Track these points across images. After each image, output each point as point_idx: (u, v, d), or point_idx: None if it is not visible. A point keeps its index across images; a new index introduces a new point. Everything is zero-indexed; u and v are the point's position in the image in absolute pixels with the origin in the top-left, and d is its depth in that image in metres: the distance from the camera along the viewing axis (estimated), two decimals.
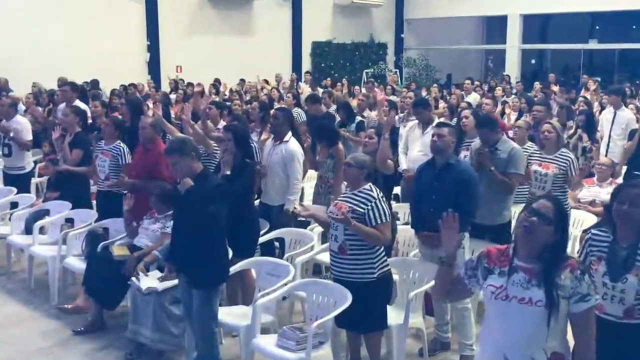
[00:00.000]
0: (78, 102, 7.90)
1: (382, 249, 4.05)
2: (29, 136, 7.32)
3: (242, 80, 14.86)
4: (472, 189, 4.41)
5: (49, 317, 5.32)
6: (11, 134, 7.04)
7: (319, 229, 5.51)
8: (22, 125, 7.28)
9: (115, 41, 15.53)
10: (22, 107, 10.07)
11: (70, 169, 6.28)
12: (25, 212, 6.40)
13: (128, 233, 5.29)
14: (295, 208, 5.23)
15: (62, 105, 8.24)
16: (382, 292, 4.06)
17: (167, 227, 4.91)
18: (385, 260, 4.07)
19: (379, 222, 3.94)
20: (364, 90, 11.92)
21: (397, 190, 6.56)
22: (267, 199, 5.70)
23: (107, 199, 5.92)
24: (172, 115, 9.51)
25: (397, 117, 7.82)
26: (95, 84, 12.48)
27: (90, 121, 7.99)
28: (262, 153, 5.76)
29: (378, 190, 4.06)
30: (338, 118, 8.22)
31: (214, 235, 4.01)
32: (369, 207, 3.95)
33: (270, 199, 5.67)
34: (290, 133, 5.71)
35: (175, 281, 4.36)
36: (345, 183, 4.41)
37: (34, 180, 8.25)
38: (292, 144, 5.67)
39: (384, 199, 4.05)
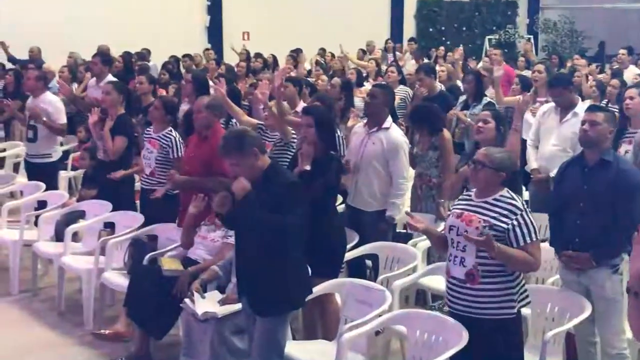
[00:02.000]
0: (110, 77, 8.24)
1: (522, 274, 3.97)
2: (61, 118, 7.68)
3: (323, 50, 14.97)
4: (636, 195, 4.25)
5: (82, 345, 5.54)
6: (43, 118, 7.39)
7: (424, 244, 5.47)
8: (53, 104, 7.64)
9: (166, 1, 16.05)
10: (56, 83, 10.62)
11: (124, 174, 6.51)
12: (55, 214, 6.72)
13: (182, 242, 5.44)
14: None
15: (92, 81, 8.64)
16: (519, 331, 3.98)
17: (230, 237, 5.02)
18: (526, 289, 3.98)
19: (527, 240, 3.85)
20: (484, 63, 11.67)
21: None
22: (357, 203, 5.72)
23: (153, 199, 6.12)
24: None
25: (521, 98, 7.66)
26: (143, 55, 12.94)
27: None
28: (346, 144, 5.80)
29: (520, 198, 3.97)
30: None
31: (286, 249, 4.02)
32: (514, 222, 3.86)
33: (363, 202, 5.69)
34: (390, 118, 5.71)
35: (239, 306, 4.44)
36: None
37: (65, 174, 8.68)
38: (395, 132, 5.68)
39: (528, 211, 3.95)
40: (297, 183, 4.18)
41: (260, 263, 4.01)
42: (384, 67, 11.28)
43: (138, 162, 6.70)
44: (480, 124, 5.35)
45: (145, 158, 6.26)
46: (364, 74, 11.00)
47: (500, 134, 5.29)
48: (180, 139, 6.17)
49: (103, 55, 8.64)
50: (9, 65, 12.25)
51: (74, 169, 8.95)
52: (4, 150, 9.70)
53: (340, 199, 5.82)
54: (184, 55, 13.41)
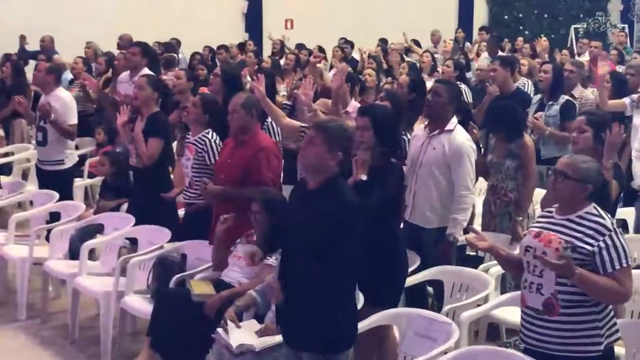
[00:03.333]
0: (147, 71, 8.33)
1: (610, 306, 3.93)
2: (71, 119, 7.83)
3: (383, 42, 15.00)
4: None
5: None
6: (52, 116, 7.55)
7: (498, 270, 5.44)
8: (63, 102, 7.78)
9: None
10: (67, 76, 10.83)
11: (173, 196, 6.56)
12: (69, 228, 6.84)
13: (215, 263, 5.49)
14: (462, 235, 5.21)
15: (125, 75, 8.76)
16: None
17: (270, 257, 5.05)
18: (615, 323, 3.94)
19: (616, 266, 3.81)
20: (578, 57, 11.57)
21: (622, 213, 6.35)
22: (416, 218, 5.73)
23: (189, 212, 6.22)
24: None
25: (627, 100, 7.57)
26: (170, 46, 13.12)
27: None
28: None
29: (610, 217, 3.93)
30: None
31: (339, 277, 3.96)
32: (601, 244, 3.82)
33: (422, 218, 5.69)
34: (455, 119, 5.70)
35: (279, 338, 4.46)
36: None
37: (81, 182, 8.83)
38: (460, 135, 5.66)
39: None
40: (355, 204, 4.05)
41: (307, 290, 3.95)
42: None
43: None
44: (575, 133, 5.33)
45: (184, 167, 6.36)
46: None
47: (600, 143, 5.22)
48: (218, 142, 6.22)
49: (142, 45, 8.73)
50: None
51: (90, 176, 9.09)
52: (11, 154, 9.90)
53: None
54: (219, 47, 13.57)
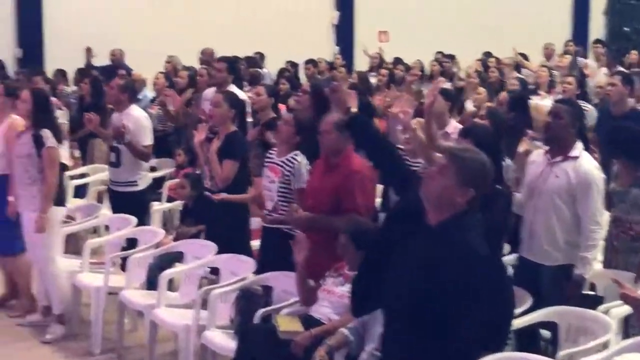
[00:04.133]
0: (233, 88, 8.44)
1: None
2: (146, 139, 7.95)
3: (488, 55, 14.90)
4: None
5: None
6: (127, 137, 7.68)
7: (620, 311, 5.29)
8: (138, 122, 7.91)
9: None
10: (148, 94, 11.04)
11: (230, 198, 6.64)
12: (147, 256, 6.93)
13: (302, 297, 5.48)
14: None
15: (210, 91, 8.87)
16: None
17: None
18: None
19: None
20: None
21: None
22: (532, 253, 5.64)
23: (274, 240, 6.20)
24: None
25: None
26: (253, 61, 13.28)
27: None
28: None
29: None
30: None
31: (454, 319, 3.49)
32: None
33: (540, 253, 5.60)
34: (580, 144, 5.58)
35: None
36: None
37: (159, 206, 8.95)
38: (587, 162, 5.55)
39: None
40: (482, 252, 3.64)
41: (415, 330, 3.60)
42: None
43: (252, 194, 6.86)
44: None
45: (265, 189, 6.36)
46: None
47: None
48: (307, 165, 6.23)
49: (229, 60, 8.85)
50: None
51: (169, 200, 9.21)
52: (86, 175, 10.13)
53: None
54: (307, 61, 13.66)
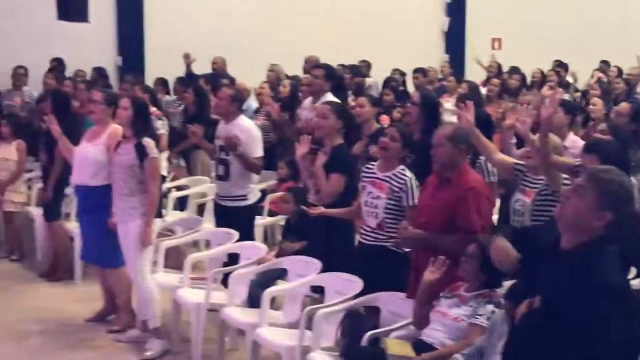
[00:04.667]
0: (330, 97, 8.46)
1: None
2: (258, 151, 8.00)
3: (606, 64, 14.63)
4: None
5: None
6: (239, 149, 7.76)
7: None
8: (249, 133, 7.98)
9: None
10: (252, 104, 11.18)
11: (329, 213, 6.65)
12: (249, 272, 7.00)
13: (414, 319, 5.48)
14: None
15: (308, 101, 8.93)
16: None
17: (480, 316, 5.01)
18: None
19: None
20: None
21: None
22: None
23: (379, 259, 6.21)
24: None
25: None
26: (358, 70, 13.29)
27: None
28: None
29: None
30: None
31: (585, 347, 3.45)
32: None
33: None
34: None
35: None
36: None
37: (261, 220, 9.04)
38: None
39: None
40: (619, 287, 3.57)
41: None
42: None
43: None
44: None
45: (367, 205, 6.34)
46: None
47: None
48: (415, 182, 6.23)
49: (327, 68, 8.87)
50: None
51: (271, 214, 9.32)
52: (186, 187, 10.31)
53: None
54: (416, 70, 13.61)
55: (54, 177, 8.96)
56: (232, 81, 12.52)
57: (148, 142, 6.99)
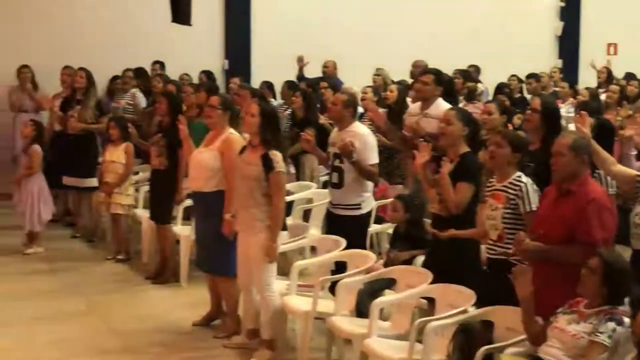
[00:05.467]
0: (441, 103, 8.31)
1: None
2: (373, 157, 7.87)
3: None
4: None
5: None
6: (354, 156, 7.65)
7: None
8: (363, 139, 7.83)
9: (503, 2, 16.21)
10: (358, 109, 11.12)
11: (459, 235, 6.49)
12: (357, 281, 6.90)
13: (529, 335, 5.33)
14: None
15: (415, 107, 8.79)
16: None
17: (601, 334, 4.86)
18: None
19: None
20: None
21: None
22: None
23: (500, 273, 6.02)
24: None
25: None
26: (468, 75, 13.09)
27: None
28: None
29: None
30: None
31: None
32: None
33: None
34: None
35: None
36: None
37: (374, 229, 8.93)
38: None
39: None
40: None
41: None
42: None
43: None
44: None
45: (488, 218, 6.20)
46: None
47: None
48: (534, 188, 6.05)
49: (435, 72, 8.74)
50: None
51: (377, 221, 9.22)
52: (289, 192, 10.23)
53: None
54: (529, 76, 13.40)
55: (180, 179, 9.07)
56: (338, 85, 12.49)
57: (275, 154, 6.88)
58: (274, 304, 7.03)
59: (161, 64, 14.24)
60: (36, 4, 14.17)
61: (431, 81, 8.50)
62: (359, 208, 7.89)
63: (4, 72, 13.37)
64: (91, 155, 11.49)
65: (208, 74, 14.00)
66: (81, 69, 11.81)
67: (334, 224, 8.05)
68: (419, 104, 8.67)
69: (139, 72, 13.32)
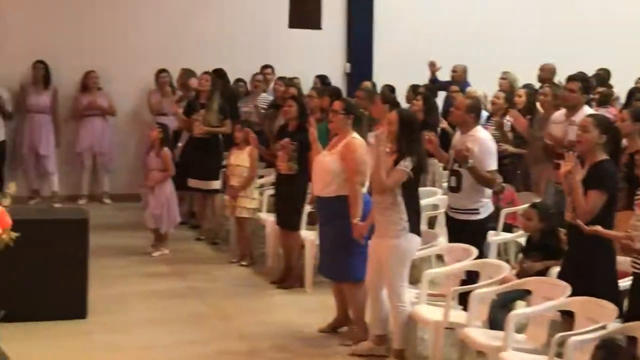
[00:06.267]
0: (588, 111, 8.10)
1: None
2: (491, 164, 7.78)
3: None
4: None
5: None
6: (470, 162, 7.57)
7: None
8: (483, 144, 7.74)
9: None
10: (483, 112, 10.93)
11: (604, 233, 6.20)
12: (489, 292, 6.75)
13: None
14: None
15: (559, 114, 8.66)
16: None
17: None
18: None
19: None
20: None
21: None
22: None
23: None
24: None
25: None
26: (600, 78, 12.59)
27: None
28: None
29: None
30: None
31: None
32: None
33: None
34: None
35: None
36: None
37: (495, 237, 8.78)
38: None
39: None
40: None
41: None
42: None
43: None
44: None
45: (632, 229, 5.96)
46: None
47: None
48: None
49: (583, 78, 8.51)
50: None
51: (506, 229, 9.05)
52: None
53: None
54: None
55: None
56: (463, 89, 12.36)
57: (405, 161, 6.88)
58: (404, 314, 6.96)
59: (271, 68, 14.31)
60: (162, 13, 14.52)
61: (578, 88, 8.33)
62: (477, 213, 7.81)
63: (142, 75, 13.90)
64: (216, 158, 11.57)
65: (322, 78, 13.94)
66: (206, 72, 11.95)
67: (453, 228, 8.02)
68: (563, 111, 8.50)
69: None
